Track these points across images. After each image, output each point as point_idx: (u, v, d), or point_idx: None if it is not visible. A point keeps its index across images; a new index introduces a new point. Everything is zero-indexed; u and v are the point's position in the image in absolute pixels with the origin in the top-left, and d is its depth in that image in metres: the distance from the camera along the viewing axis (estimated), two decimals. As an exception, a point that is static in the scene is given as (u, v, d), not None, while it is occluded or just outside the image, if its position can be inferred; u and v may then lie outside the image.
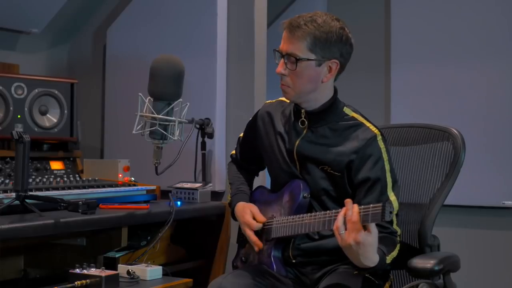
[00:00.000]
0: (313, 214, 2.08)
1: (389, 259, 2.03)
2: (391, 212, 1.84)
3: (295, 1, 4.34)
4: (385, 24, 4.07)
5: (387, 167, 2.12)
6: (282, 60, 2.13)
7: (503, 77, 3.64)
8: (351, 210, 1.88)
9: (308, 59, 2.10)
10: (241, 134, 2.48)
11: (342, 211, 1.92)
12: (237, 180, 2.45)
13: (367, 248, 1.88)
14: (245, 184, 2.43)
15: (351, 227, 1.87)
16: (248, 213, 2.26)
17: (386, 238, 2.04)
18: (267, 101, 2.41)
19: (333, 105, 2.19)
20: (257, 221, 2.24)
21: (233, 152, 2.54)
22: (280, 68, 2.14)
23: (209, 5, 3.18)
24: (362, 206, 1.88)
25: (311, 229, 2.07)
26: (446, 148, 2.34)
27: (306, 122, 2.20)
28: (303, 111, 2.20)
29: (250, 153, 2.44)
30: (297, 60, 2.10)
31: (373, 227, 1.87)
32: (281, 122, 2.27)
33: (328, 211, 2.03)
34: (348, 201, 1.91)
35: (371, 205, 1.86)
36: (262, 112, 2.36)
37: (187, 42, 3.22)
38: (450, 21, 3.78)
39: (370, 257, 1.92)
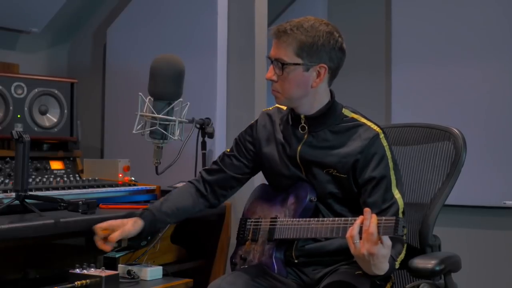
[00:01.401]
0: (320, 219, 2.06)
1: (398, 263, 2.03)
2: (404, 227, 1.83)
3: (295, 1, 4.33)
4: (386, 24, 4.06)
5: (391, 164, 2.11)
6: (271, 66, 2.13)
7: (504, 76, 3.64)
8: (369, 220, 1.85)
9: (295, 64, 2.09)
10: (227, 150, 2.38)
11: (358, 220, 1.89)
12: (173, 204, 2.28)
13: (380, 259, 1.87)
14: (172, 211, 2.27)
15: (366, 237, 1.85)
16: (103, 228, 2.18)
17: (395, 238, 2.02)
18: (265, 109, 2.37)
19: (331, 109, 2.17)
20: (109, 239, 2.15)
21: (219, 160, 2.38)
22: (269, 74, 2.14)
23: (209, 5, 3.17)
24: (377, 218, 1.86)
25: (318, 235, 2.04)
26: (447, 148, 2.33)
27: (306, 127, 2.18)
28: (302, 116, 2.18)
29: (240, 161, 2.34)
30: (284, 65, 2.09)
31: (386, 238, 1.85)
32: (280, 129, 2.25)
33: (336, 218, 2.02)
34: (367, 210, 1.88)
35: (384, 218, 1.85)
36: (261, 120, 2.32)
37: (187, 42, 3.22)
38: (451, 20, 3.78)
39: (381, 267, 1.91)
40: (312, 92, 2.13)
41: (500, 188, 3.61)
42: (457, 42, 3.75)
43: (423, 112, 3.69)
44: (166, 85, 2.39)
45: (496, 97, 3.66)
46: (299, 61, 2.08)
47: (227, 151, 2.38)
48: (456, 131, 2.34)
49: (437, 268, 2.06)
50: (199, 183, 2.35)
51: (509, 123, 3.62)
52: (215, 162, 2.38)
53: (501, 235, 3.68)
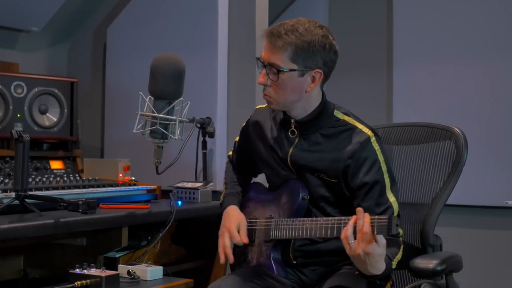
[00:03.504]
0: (314, 219, 2.05)
1: (394, 263, 2.01)
2: (397, 225, 1.82)
3: (295, 0, 4.32)
4: (387, 23, 4.05)
5: (384, 168, 2.08)
6: (264, 71, 2.08)
7: (506, 76, 3.63)
8: (362, 220, 1.84)
9: (291, 70, 2.03)
10: (237, 139, 2.43)
11: (352, 220, 1.88)
12: (232, 181, 2.40)
13: (376, 258, 1.86)
14: (239, 186, 2.38)
15: (361, 237, 1.84)
16: (234, 225, 2.21)
17: (391, 240, 2.01)
18: (258, 106, 2.35)
19: (322, 111, 2.13)
20: (241, 238, 2.18)
21: (230, 153, 2.49)
22: (262, 79, 2.08)
23: (210, 4, 3.17)
24: (370, 217, 1.85)
25: (313, 235, 2.03)
26: (448, 147, 2.32)
27: (296, 132, 2.15)
28: (292, 121, 2.15)
29: (245, 159, 2.38)
30: (279, 71, 2.03)
31: (381, 237, 1.84)
32: (271, 130, 2.22)
33: (330, 218, 2.00)
34: (359, 210, 1.87)
35: (377, 217, 1.84)
36: (254, 119, 2.30)
37: (188, 41, 3.22)
38: (452, 20, 3.77)
39: (378, 266, 1.90)
40: (306, 96, 2.09)
41: (501, 187, 3.60)
42: (458, 41, 3.74)
43: (425, 111, 3.68)
44: (167, 84, 2.39)
45: (497, 96, 3.65)
46: (294, 66, 2.03)
47: (235, 162, 2.46)
48: (458, 130, 2.33)
49: (439, 268, 2.05)
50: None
51: (511, 122, 3.61)
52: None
53: (502, 235, 3.67)
